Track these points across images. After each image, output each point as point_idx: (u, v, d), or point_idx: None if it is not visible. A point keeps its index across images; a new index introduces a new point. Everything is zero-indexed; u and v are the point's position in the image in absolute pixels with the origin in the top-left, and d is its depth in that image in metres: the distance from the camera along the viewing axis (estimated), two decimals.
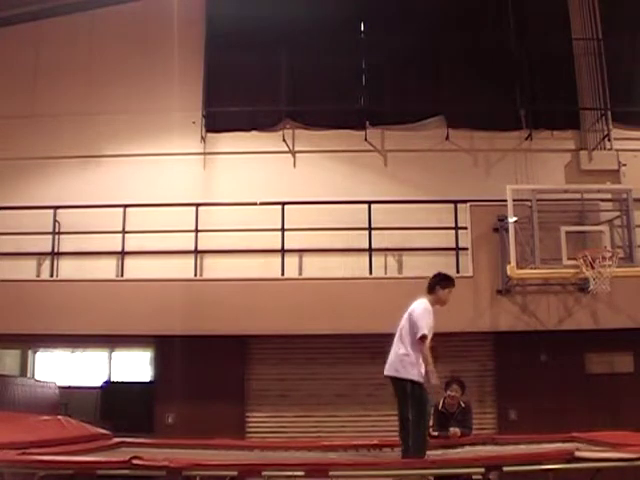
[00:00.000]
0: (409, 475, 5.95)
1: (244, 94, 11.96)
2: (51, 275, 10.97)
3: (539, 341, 10.11)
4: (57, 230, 11.13)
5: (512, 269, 9.41)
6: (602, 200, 10.40)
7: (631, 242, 9.58)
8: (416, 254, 11.03)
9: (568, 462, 5.62)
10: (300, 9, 11.97)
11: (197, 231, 10.98)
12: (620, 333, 9.73)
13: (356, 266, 10.75)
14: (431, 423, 7.20)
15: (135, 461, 5.37)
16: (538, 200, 9.70)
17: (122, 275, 10.89)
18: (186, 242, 10.96)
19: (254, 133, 12.00)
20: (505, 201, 9.61)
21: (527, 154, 11.79)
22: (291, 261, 10.89)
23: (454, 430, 7.62)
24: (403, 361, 6.15)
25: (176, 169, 11.77)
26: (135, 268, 10.90)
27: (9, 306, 9.89)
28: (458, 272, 10.43)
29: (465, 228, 10.43)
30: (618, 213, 9.93)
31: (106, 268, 11.05)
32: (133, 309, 9.87)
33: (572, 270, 9.39)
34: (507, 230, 9.69)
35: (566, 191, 10.79)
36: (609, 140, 11.66)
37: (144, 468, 5.39)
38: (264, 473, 5.50)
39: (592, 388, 10.00)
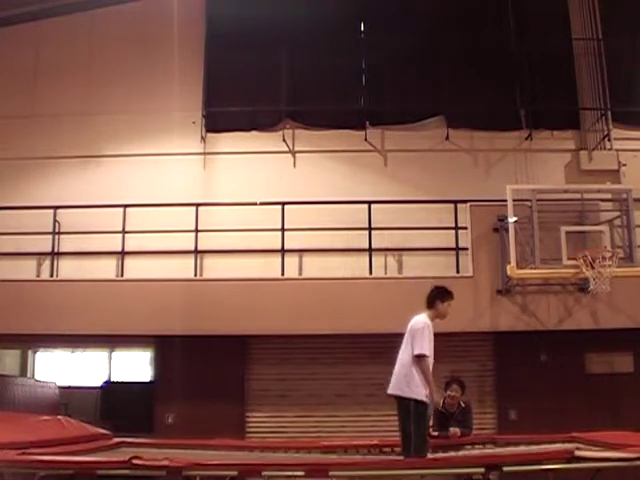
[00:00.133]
0: (409, 475, 5.96)
1: (244, 94, 11.95)
2: (51, 275, 10.97)
3: (539, 341, 10.11)
4: (57, 230, 11.13)
5: (512, 269, 9.41)
6: (602, 200, 10.39)
7: (631, 242, 9.58)
8: (416, 254, 11.03)
9: (568, 462, 5.63)
10: (300, 9, 11.97)
11: (197, 231, 10.97)
12: (620, 333, 9.72)
13: (356, 266, 10.74)
14: (431, 423, 7.21)
15: (135, 461, 5.38)
16: (538, 200, 9.69)
17: (122, 275, 10.89)
18: (186, 242, 10.96)
19: (254, 133, 12.00)
20: (505, 201, 9.61)
21: (527, 154, 11.79)
22: (291, 261, 10.88)
23: (454, 430, 7.63)
24: (408, 381, 6.20)
25: (176, 169, 11.76)
26: (135, 268, 10.90)
27: (9, 306, 9.89)
28: (458, 272, 10.45)
29: (465, 228, 10.42)
30: (618, 213, 9.92)
31: (106, 268, 11.05)
32: (133, 309, 9.87)
33: (572, 270, 9.39)
34: (507, 230, 9.69)
35: (566, 191, 10.78)
36: (609, 140, 11.65)
37: (144, 468, 5.40)
38: (264, 473, 5.51)
39: (592, 388, 10.00)
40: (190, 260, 10.89)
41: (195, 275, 10.84)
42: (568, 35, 12.16)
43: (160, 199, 11.10)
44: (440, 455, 6.77)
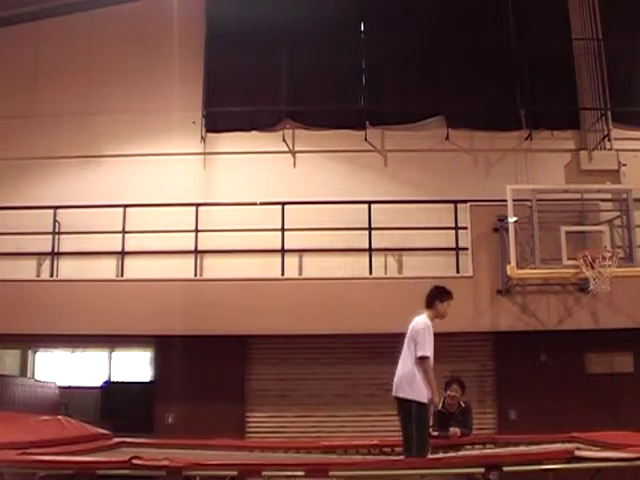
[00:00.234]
0: (409, 475, 5.96)
1: (244, 94, 11.96)
2: (51, 275, 10.97)
3: (539, 341, 10.11)
4: (57, 230, 11.13)
5: (512, 269, 9.41)
6: (602, 200, 10.39)
7: (631, 242, 9.57)
8: (416, 254, 11.03)
9: (568, 462, 5.63)
10: (300, 9, 11.97)
11: (197, 231, 10.97)
12: (620, 333, 9.72)
13: (356, 266, 10.74)
14: (431, 423, 7.21)
15: (135, 461, 5.38)
16: (538, 200, 9.69)
17: (122, 275, 10.89)
18: (186, 242, 10.96)
19: (254, 133, 12.00)
20: (505, 201, 9.61)
21: (527, 154, 11.79)
22: (291, 261, 10.88)
23: (454, 430, 7.63)
24: (410, 383, 6.21)
25: (176, 169, 11.76)
26: (135, 268, 10.90)
27: (9, 306, 9.89)
28: (458, 272, 10.45)
29: (465, 228, 10.42)
30: (618, 213, 9.92)
31: (106, 268, 11.05)
32: (133, 309, 9.87)
33: (572, 270, 9.38)
34: (507, 230, 9.69)
35: (566, 191, 10.78)
36: (609, 140, 11.66)
37: (144, 468, 5.40)
38: (264, 473, 5.51)
39: (592, 388, 10.00)
40: (190, 260, 10.89)
41: (195, 275, 10.83)
42: (568, 35, 12.16)
43: (160, 199, 11.10)
44: (440, 455, 6.76)
